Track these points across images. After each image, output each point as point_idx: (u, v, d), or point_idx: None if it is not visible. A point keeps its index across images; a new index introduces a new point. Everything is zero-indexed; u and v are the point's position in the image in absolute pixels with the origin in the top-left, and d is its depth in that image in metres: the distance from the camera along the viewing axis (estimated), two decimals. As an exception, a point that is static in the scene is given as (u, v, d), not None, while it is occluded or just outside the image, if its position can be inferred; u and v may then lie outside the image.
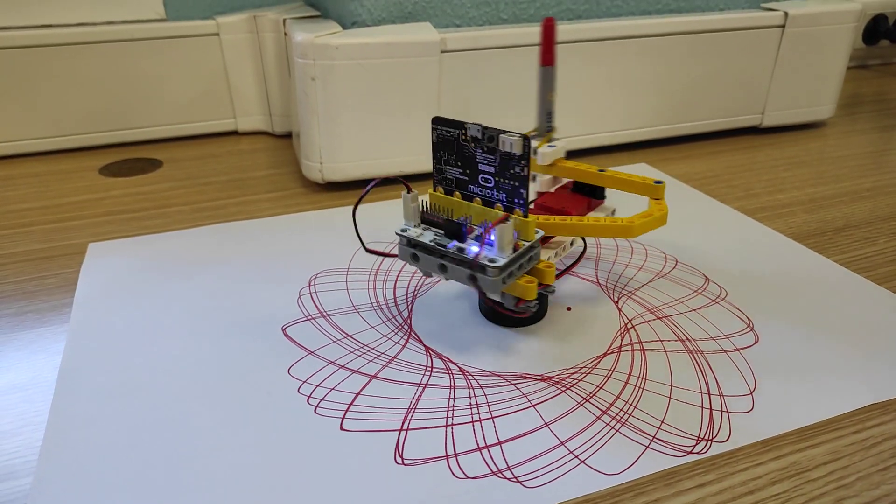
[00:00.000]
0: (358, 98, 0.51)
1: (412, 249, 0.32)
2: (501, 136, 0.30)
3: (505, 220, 0.30)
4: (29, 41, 0.60)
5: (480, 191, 0.32)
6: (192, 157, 0.63)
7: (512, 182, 0.31)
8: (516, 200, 0.31)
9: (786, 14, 0.61)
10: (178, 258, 0.43)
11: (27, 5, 0.60)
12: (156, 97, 0.65)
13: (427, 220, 0.33)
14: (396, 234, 0.32)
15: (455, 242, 0.31)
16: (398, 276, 0.41)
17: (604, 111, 0.60)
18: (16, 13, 0.60)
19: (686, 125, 0.64)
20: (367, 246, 0.35)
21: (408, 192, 0.32)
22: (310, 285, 0.40)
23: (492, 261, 0.30)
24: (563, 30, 0.55)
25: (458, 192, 0.33)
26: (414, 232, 0.32)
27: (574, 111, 0.58)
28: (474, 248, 0.31)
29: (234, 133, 0.70)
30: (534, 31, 0.54)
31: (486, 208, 0.32)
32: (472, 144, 0.31)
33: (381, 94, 0.51)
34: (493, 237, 0.30)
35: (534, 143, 0.39)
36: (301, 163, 0.55)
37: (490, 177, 0.31)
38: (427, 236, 0.32)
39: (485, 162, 0.31)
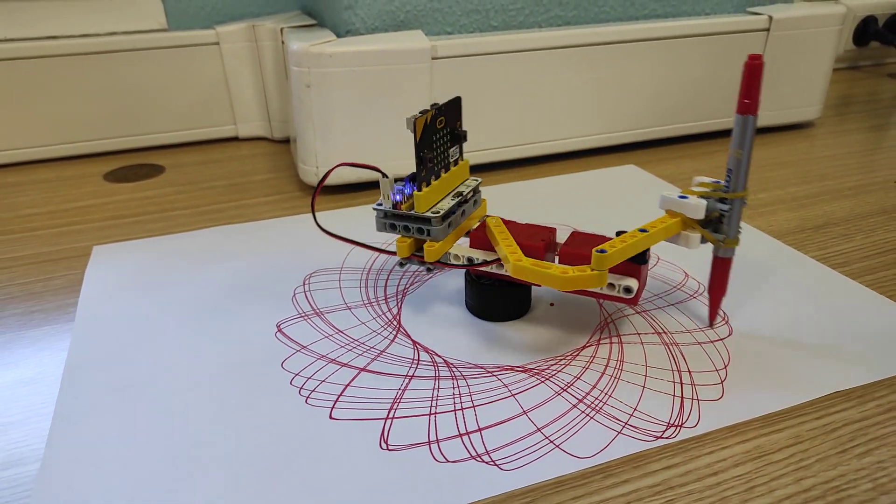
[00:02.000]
0: (352, 104, 0.52)
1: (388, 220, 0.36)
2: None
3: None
4: (35, 52, 0.62)
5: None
6: (193, 163, 0.65)
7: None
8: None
9: (770, 18, 0.63)
10: (179, 260, 0.45)
11: (33, 18, 0.62)
12: (158, 105, 0.67)
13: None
14: (374, 208, 0.36)
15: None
16: (389, 274, 0.43)
17: (594, 114, 0.61)
18: (22, 25, 0.62)
19: (674, 127, 0.65)
20: (323, 227, 0.39)
21: (384, 177, 0.36)
22: (304, 284, 0.42)
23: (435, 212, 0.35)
24: (554, 36, 0.57)
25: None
26: (388, 204, 0.36)
27: (565, 115, 0.60)
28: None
29: (235, 139, 0.72)
30: (523, 38, 0.56)
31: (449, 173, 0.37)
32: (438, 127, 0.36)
33: (374, 100, 0.53)
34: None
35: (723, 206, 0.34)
36: (298, 167, 0.57)
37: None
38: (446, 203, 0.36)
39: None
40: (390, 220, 0.36)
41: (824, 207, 0.52)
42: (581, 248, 0.34)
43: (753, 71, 0.30)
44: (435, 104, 0.35)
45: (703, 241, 0.34)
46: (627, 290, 0.33)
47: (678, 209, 0.34)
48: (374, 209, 0.36)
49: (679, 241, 0.35)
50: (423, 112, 0.34)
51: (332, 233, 0.39)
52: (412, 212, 0.35)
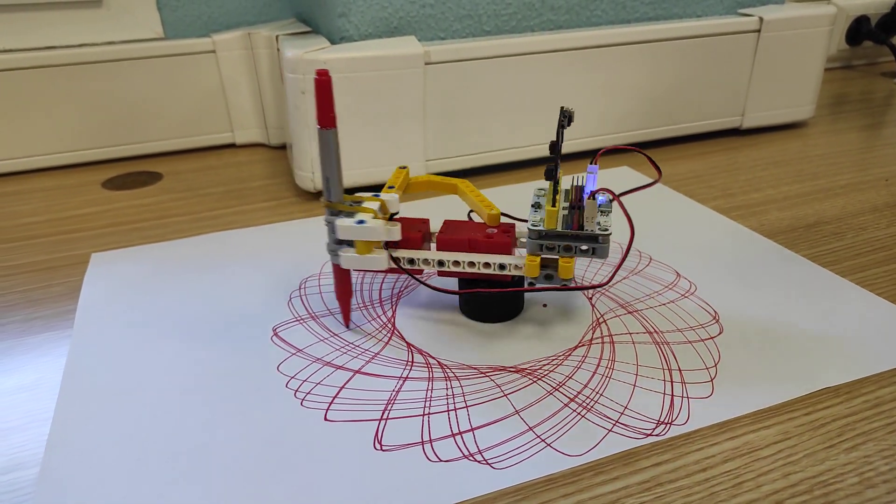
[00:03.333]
0: (347, 110, 0.53)
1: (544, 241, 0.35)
2: None
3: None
4: (34, 62, 0.63)
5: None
6: (191, 170, 0.66)
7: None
8: None
9: (761, 19, 0.63)
10: (177, 266, 0.46)
11: (31, 29, 0.63)
12: (156, 113, 0.68)
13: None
14: (529, 228, 0.34)
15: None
16: (384, 278, 0.43)
17: (588, 116, 0.62)
18: (20, 36, 0.63)
19: (669, 128, 0.66)
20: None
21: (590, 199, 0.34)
22: (300, 288, 0.42)
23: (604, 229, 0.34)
24: (546, 40, 0.57)
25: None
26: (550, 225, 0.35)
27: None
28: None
29: (232, 146, 0.72)
30: (515, 43, 0.56)
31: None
32: None
33: (368, 106, 0.53)
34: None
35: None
36: (294, 173, 0.57)
37: None
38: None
39: None
40: (548, 240, 0.34)
41: (816, 206, 0.52)
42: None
43: (322, 86, 0.32)
44: (566, 111, 0.35)
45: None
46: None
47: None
48: (530, 229, 0.34)
49: None
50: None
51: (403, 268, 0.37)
52: (585, 230, 0.34)
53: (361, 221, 0.35)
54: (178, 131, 0.69)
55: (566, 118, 0.34)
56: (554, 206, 0.34)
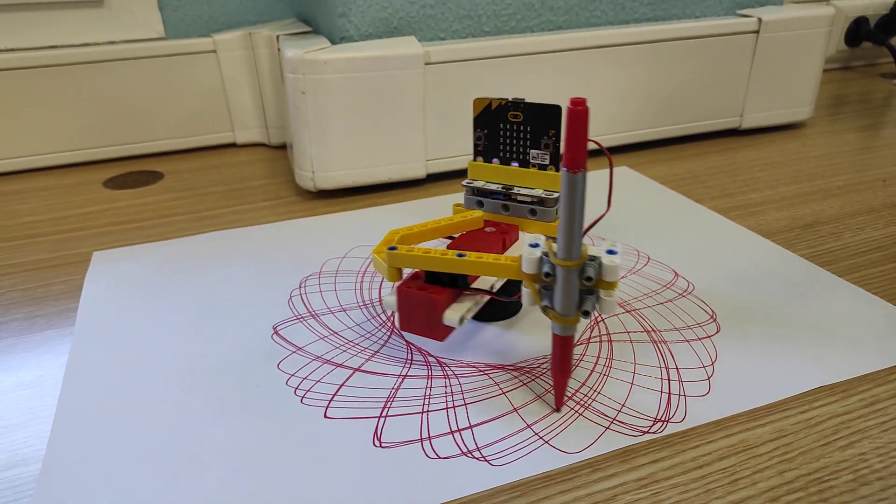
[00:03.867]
0: (347, 110, 0.53)
1: (478, 197, 0.40)
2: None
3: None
4: (36, 62, 0.63)
5: (518, 156, 0.40)
6: (192, 169, 0.66)
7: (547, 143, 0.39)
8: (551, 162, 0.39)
9: (759, 20, 0.63)
10: (178, 264, 0.46)
11: (33, 28, 0.63)
12: (157, 112, 0.68)
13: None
14: (463, 184, 0.40)
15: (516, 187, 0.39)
16: (384, 277, 0.44)
17: (591, 118, 0.62)
18: (22, 35, 0.63)
19: (668, 129, 0.66)
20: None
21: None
22: (300, 287, 0.43)
23: (549, 193, 0.38)
24: (546, 40, 0.57)
25: (495, 160, 0.40)
26: (479, 183, 0.40)
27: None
28: (541, 192, 0.39)
29: (233, 145, 0.73)
30: (515, 43, 0.57)
31: (521, 169, 0.40)
32: (512, 120, 0.39)
33: (368, 106, 0.54)
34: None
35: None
36: (294, 172, 0.58)
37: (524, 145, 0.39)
38: (490, 186, 0.40)
39: (522, 131, 0.39)
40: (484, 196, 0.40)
41: (814, 206, 0.52)
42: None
43: (577, 119, 0.25)
44: (517, 99, 0.39)
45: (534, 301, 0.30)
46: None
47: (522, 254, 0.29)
48: (465, 185, 0.41)
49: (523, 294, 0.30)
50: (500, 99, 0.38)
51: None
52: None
53: (612, 251, 0.28)
54: (178, 131, 0.70)
55: None
56: (474, 160, 0.40)
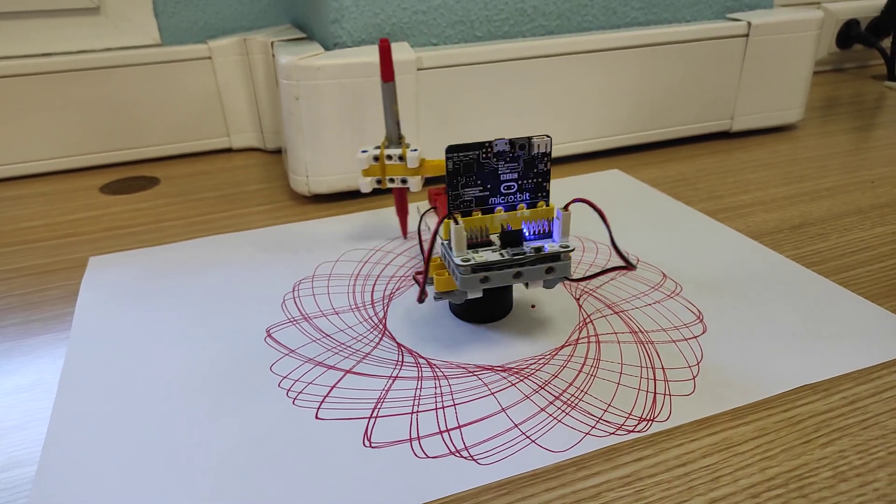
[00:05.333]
0: (340, 115, 0.54)
1: (482, 273, 0.33)
2: (533, 140, 0.34)
3: (566, 209, 0.34)
4: (32, 69, 0.63)
5: (503, 200, 0.35)
6: (188, 174, 0.67)
7: (536, 180, 0.35)
8: (540, 194, 0.36)
9: (749, 24, 0.64)
10: (172, 269, 0.47)
11: (29, 35, 0.64)
12: (153, 118, 0.69)
13: (478, 242, 0.34)
14: (458, 265, 0.32)
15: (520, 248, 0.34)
16: (376, 280, 0.44)
17: (580, 120, 0.63)
18: (19, 43, 0.64)
19: (659, 132, 0.67)
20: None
21: (456, 223, 0.33)
22: (293, 290, 0.43)
23: (564, 247, 0.33)
24: (538, 45, 0.58)
25: (476, 210, 0.35)
26: (478, 256, 0.33)
27: (549, 122, 0.61)
28: (548, 245, 0.34)
29: (228, 150, 0.73)
30: (507, 48, 0.57)
31: (511, 213, 0.35)
32: (495, 159, 0.34)
33: (361, 111, 0.54)
34: (554, 227, 0.34)
35: (391, 152, 0.46)
36: (289, 177, 0.58)
37: (514, 183, 0.35)
38: (489, 256, 0.33)
39: (508, 171, 0.35)
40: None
41: (802, 208, 0.53)
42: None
43: (384, 50, 0.42)
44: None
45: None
46: None
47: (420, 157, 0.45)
48: (460, 265, 0.33)
49: None
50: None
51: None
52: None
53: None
54: (174, 136, 0.70)
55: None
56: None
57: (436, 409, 0.32)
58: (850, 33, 0.93)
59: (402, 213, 0.50)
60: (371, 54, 0.53)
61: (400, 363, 0.36)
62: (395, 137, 0.46)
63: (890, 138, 0.69)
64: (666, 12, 0.64)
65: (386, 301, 0.42)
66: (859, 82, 0.92)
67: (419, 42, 0.58)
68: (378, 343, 0.37)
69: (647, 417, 0.31)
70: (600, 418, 0.31)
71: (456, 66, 0.56)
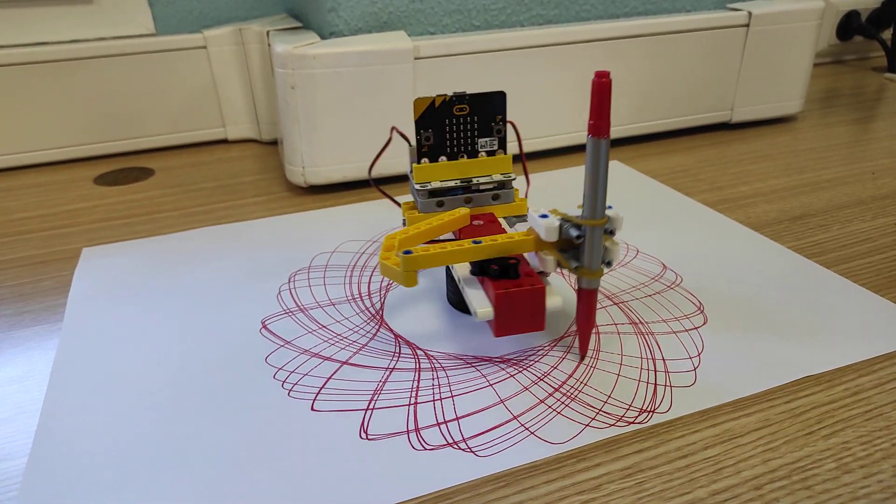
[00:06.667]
0: (336, 105, 0.53)
1: (438, 198, 0.39)
2: (489, 95, 0.39)
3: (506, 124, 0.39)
4: (25, 58, 0.63)
5: (465, 149, 0.40)
6: (183, 165, 0.66)
7: (495, 131, 0.40)
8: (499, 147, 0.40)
9: (749, 14, 0.63)
10: (167, 260, 0.46)
11: (22, 24, 0.63)
12: (148, 109, 0.68)
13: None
14: (417, 190, 0.39)
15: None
16: (373, 271, 0.44)
17: (576, 112, 0.62)
18: (11, 32, 0.63)
19: (659, 122, 0.66)
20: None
21: (418, 163, 0.39)
22: (290, 282, 0.43)
23: (506, 175, 0.40)
24: (536, 34, 0.57)
25: (442, 158, 0.40)
26: (435, 184, 0.39)
27: (550, 112, 0.61)
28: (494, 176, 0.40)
29: (224, 141, 0.72)
30: (505, 37, 0.57)
31: (471, 160, 0.40)
32: (457, 115, 0.39)
33: (358, 101, 0.54)
34: None
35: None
36: (285, 167, 0.57)
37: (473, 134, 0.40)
38: (448, 184, 0.39)
39: (468, 124, 0.40)
40: (442, 196, 0.40)
41: (803, 199, 0.52)
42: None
43: (601, 90, 0.28)
44: (459, 93, 0.38)
45: (561, 265, 0.32)
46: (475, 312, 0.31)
47: (534, 227, 0.32)
48: (419, 190, 0.39)
49: (536, 262, 0.33)
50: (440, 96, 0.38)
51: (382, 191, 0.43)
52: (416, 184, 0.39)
53: (609, 206, 0.32)
54: (169, 127, 0.70)
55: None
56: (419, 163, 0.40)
57: (433, 400, 0.32)
58: (850, 24, 0.92)
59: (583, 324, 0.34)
60: (368, 43, 0.53)
61: (397, 354, 0.35)
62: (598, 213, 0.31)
63: (890, 130, 0.69)
64: (665, 2, 0.64)
65: (383, 292, 0.41)
66: (859, 74, 0.92)
67: (416, 31, 0.57)
68: (375, 334, 0.37)
69: (648, 409, 0.31)
70: (600, 410, 0.31)
71: (453, 56, 0.56)
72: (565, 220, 0.32)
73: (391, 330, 0.37)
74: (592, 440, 0.29)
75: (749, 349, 0.34)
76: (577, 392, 0.32)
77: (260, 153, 0.69)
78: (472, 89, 0.57)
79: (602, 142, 0.29)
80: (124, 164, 0.67)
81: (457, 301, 0.39)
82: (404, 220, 0.40)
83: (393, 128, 0.41)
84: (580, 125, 0.63)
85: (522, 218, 0.41)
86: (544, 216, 0.32)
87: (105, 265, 0.46)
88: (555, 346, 0.35)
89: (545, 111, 0.61)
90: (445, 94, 0.39)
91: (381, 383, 0.33)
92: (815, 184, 0.55)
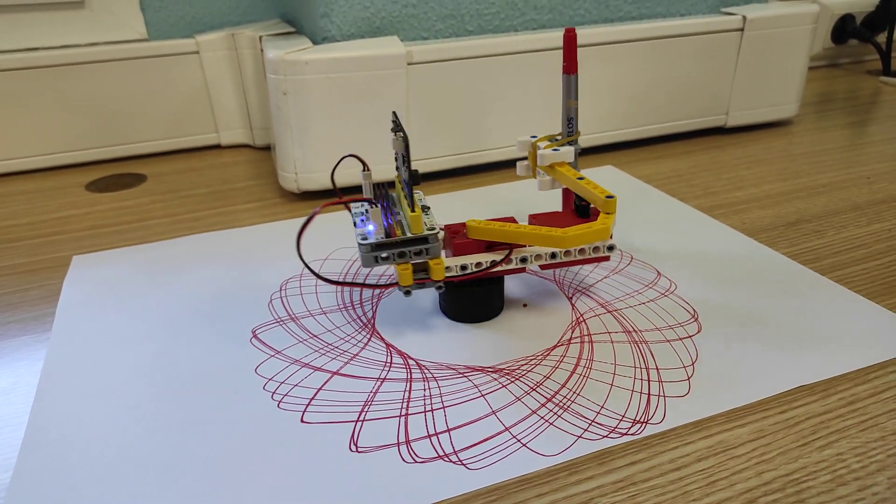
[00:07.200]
0: (329, 110, 0.53)
1: (379, 252, 0.35)
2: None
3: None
4: (16, 64, 0.62)
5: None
6: (175, 171, 0.65)
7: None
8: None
9: (744, 18, 0.63)
10: (158, 268, 0.46)
11: (13, 29, 0.63)
12: (140, 114, 0.68)
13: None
14: (360, 243, 0.34)
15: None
16: (365, 279, 0.43)
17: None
18: (3, 37, 0.63)
19: (653, 127, 0.66)
20: (320, 274, 0.36)
21: (374, 206, 0.35)
22: (281, 290, 0.42)
23: (431, 229, 0.34)
24: (529, 39, 0.57)
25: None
26: (376, 236, 0.34)
27: (544, 117, 0.61)
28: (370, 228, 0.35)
29: (217, 147, 0.72)
30: (498, 42, 0.56)
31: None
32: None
33: (351, 106, 0.53)
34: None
35: (543, 144, 0.41)
36: (278, 173, 0.57)
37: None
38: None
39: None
40: (383, 250, 0.34)
41: (798, 205, 0.52)
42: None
43: (570, 41, 0.38)
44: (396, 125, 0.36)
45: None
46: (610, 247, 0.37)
47: (558, 159, 0.40)
48: (360, 244, 0.34)
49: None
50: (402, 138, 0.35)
51: (326, 278, 0.36)
52: (409, 235, 0.34)
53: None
54: (162, 133, 0.69)
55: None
56: (414, 210, 0.34)
57: (424, 411, 0.31)
58: (845, 28, 0.92)
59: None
60: (360, 48, 0.52)
61: (388, 364, 0.35)
62: (564, 132, 0.41)
63: (885, 134, 0.69)
64: (660, 6, 0.63)
65: (375, 301, 0.41)
66: (854, 77, 0.92)
67: (409, 36, 0.57)
68: (366, 344, 0.37)
69: (641, 420, 0.30)
70: (593, 421, 0.30)
71: (447, 61, 0.55)
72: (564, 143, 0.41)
73: (383, 339, 0.37)
74: (585, 452, 0.29)
75: (743, 358, 0.34)
76: (569, 402, 0.31)
77: (253, 159, 0.68)
78: (465, 95, 0.57)
79: (572, 77, 0.39)
80: (116, 169, 0.67)
81: (450, 310, 0.38)
82: (406, 290, 0.35)
83: (352, 154, 0.39)
84: (583, 128, 0.63)
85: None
86: (556, 150, 0.40)
87: (96, 273, 0.45)
88: (548, 355, 0.35)
89: (539, 117, 0.61)
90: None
91: (371, 394, 0.33)
92: (811, 188, 0.55)
